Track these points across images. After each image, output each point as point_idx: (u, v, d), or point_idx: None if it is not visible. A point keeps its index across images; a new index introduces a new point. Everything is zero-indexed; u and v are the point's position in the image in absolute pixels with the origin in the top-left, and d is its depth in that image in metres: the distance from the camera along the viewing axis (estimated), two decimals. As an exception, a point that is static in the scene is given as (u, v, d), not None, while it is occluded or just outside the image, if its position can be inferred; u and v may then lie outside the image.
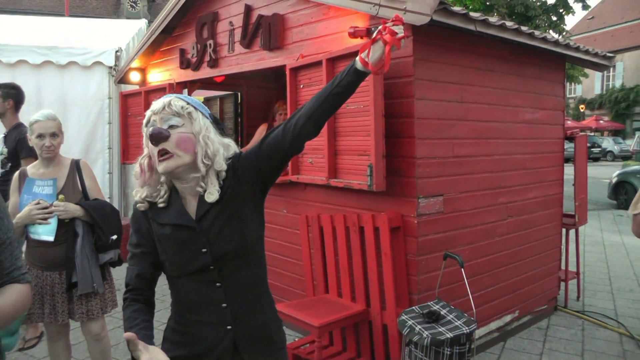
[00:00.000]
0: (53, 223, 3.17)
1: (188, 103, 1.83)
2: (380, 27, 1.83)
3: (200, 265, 1.78)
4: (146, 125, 1.83)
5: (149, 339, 1.65)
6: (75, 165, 3.37)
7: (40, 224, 3.13)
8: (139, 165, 1.85)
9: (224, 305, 1.81)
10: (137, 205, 1.88)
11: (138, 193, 1.87)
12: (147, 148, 1.82)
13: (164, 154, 1.76)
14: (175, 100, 1.82)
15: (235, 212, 1.82)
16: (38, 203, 3.12)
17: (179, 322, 1.88)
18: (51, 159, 3.28)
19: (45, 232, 3.16)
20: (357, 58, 1.80)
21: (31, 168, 3.33)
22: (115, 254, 3.39)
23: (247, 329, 1.85)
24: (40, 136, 3.21)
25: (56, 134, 3.26)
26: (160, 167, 1.77)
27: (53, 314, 3.28)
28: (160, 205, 1.84)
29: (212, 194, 1.80)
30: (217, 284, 1.81)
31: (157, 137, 1.75)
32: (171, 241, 1.80)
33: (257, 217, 1.88)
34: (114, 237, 3.33)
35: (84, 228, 3.25)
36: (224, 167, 1.83)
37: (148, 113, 1.83)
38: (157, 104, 1.82)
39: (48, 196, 3.18)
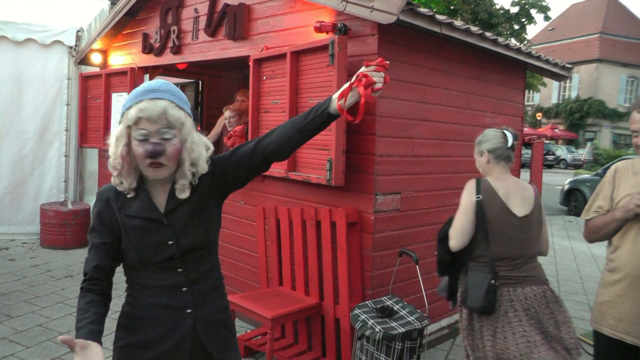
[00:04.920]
0: None
1: (181, 108, 1.78)
2: (359, 73, 1.81)
3: (166, 256, 1.80)
4: (135, 124, 1.72)
5: (95, 335, 1.62)
6: None
7: None
8: (120, 156, 1.75)
9: (184, 289, 1.84)
10: (127, 193, 1.81)
11: (123, 183, 1.80)
12: (124, 140, 1.74)
13: (156, 165, 1.75)
14: (172, 109, 1.74)
15: (201, 210, 1.87)
16: None
17: (135, 305, 1.84)
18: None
19: None
20: (334, 103, 1.82)
21: None
22: None
23: (206, 313, 1.88)
24: None
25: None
26: (151, 175, 1.77)
27: None
28: (130, 195, 1.81)
29: (184, 192, 1.83)
30: (179, 270, 1.83)
31: (157, 155, 1.72)
32: (139, 233, 1.79)
33: (218, 217, 1.95)
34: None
35: None
36: (206, 169, 1.86)
37: (135, 113, 1.71)
38: (151, 109, 1.71)
39: None
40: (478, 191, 2.88)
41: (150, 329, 1.82)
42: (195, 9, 5.34)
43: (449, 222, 3.00)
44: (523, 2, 20.27)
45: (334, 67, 3.67)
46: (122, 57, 6.67)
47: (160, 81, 1.80)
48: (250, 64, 4.53)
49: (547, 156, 31.75)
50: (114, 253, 1.81)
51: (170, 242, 1.80)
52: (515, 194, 2.91)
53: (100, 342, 1.61)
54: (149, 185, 1.84)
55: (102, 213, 1.82)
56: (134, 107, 1.72)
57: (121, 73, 6.35)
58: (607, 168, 11.49)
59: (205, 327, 1.87)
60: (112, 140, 1.78)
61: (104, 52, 6.96)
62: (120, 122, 1.77)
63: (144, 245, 1.79)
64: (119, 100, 6.33)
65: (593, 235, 2.78)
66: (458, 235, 2.87)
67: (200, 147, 1.84)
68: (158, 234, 1.80)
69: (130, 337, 1.83)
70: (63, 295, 5.29)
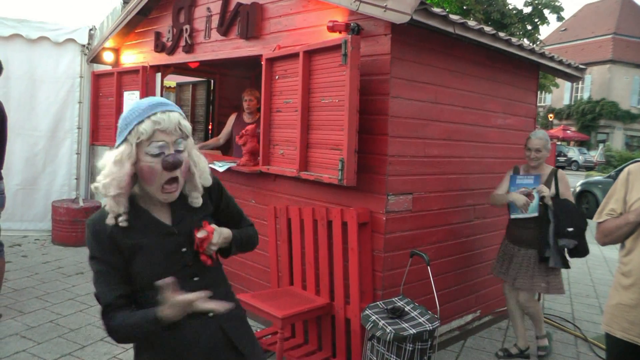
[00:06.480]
0: (535, 203, 4.15)
1: (185, 119, 1.78)
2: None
3: (181, 265, 1.80)
4: (149, 138, 1.68)
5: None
6: (554, 173, 4.30)
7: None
8: (127, 174, 1.70)
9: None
10: (120, 222, 1.74)
11: (121, 213, 1.73)
12: (131, 159, 1.69)
13: (173, 183, 1.74)
14: (182, 120, 1.74)
15: (205, 217, 1.89)
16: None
17: None
18: (536, 167, 4.29)
19: (532, 210, 4.16)
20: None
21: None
22: (570, 243, 4.10)
23: (227, 312, 1.86)
24: (529, 149, 4.25)
25: (540, 149, 4.20)
26: (168, 197, 1.76)
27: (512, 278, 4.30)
28: (123, 223, 1.74)
29: (198, 199, 1.87)
30: (195, 278, 1.83)
31: (177, 165, 1.71)
32: (151, 250, 1.76)
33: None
34: (570, 229, 4.08)
35: (554, 217, 4.11)
36: (210, 181, 1.90)
37: (151, 126, 1.67)
38: (167, 121, 1.69)
39: (529, 185, 4.20)
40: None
41: (178, 342, 1.79)
42: (208, 8, 5.35)
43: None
44: (536, 2, 20.18)
45: (347, 67, 3.66)
46: (134, 56, 6.70)
47: (155, 97, 1.81)
48: (263, 63, 4.52)
49: (558, 158, 31.58)
50: (127, 278, 1.76)
51: (183, 250, 1.80)
52: None
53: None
54: (145, 205, 1.81)
55: (103, 243, 1.74)
56: (147, 120, 1.68)
57: (133, 71, 6.37)
58: (620, 170, 11.38)
59: (230, 325, 1.90)
60: (110, 161, 1.71)
61: (116, 51, 6.99)
62: (123, 141, 1.71)
63: (159, 260, 1.76)
64: (130, 99, 6.36)
65: (605, 238, 2.75)
66: None
67: (202, 159, 1.86)
68: (171, 245, 1.79)
69: (160, 355, 1.81)
70: (74, 292, 5.32)
